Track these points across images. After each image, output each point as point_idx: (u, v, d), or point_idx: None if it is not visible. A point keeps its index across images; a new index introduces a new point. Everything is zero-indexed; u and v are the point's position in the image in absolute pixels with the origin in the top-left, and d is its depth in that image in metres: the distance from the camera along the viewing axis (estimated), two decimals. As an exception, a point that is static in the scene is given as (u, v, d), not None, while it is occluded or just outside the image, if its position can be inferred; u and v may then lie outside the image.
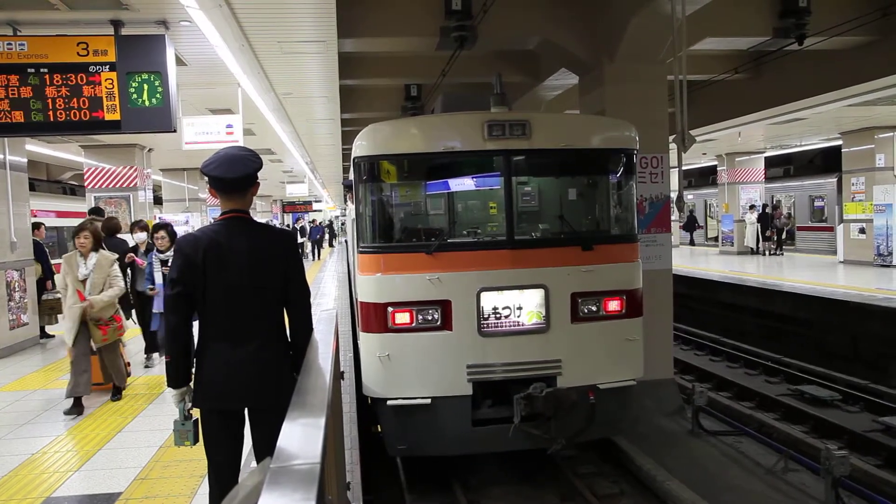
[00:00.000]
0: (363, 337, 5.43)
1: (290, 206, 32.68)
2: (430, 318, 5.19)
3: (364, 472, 4.67)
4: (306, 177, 22.57)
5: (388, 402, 5.17)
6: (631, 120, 6.18)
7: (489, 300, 5.20)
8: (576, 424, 5.28)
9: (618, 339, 5.46)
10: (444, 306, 5.17)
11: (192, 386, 2.73)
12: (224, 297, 2.66)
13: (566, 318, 5.30)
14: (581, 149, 5.56)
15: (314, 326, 2.83)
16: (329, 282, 14.94)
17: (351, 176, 5.84)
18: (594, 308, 5.39)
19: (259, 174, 2.80)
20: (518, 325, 5.25)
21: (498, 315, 5.24)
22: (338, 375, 3.12)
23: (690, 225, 26.38)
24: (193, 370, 2.75)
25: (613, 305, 5.46)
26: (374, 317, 5.23)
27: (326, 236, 35.07)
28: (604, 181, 5.94)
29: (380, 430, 5.50)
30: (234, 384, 2.66)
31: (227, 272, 2.66)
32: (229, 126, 8.11)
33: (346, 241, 29.68)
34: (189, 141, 8.04)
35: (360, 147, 5.42)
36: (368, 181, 5.44)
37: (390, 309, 5.16)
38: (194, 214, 17.04)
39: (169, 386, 2.74)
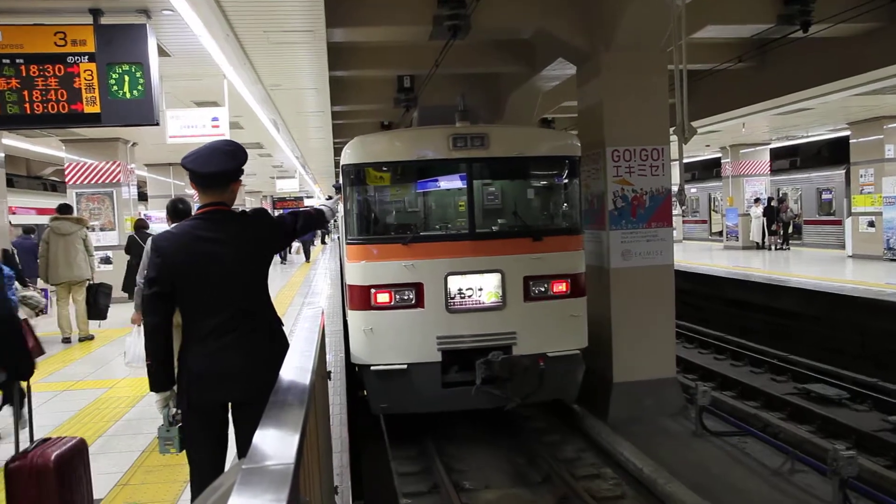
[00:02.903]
0: (351, 314, 6.87)
1: (280, 203, 32.64)
2: (406, 297, 6.58)
3: (351, 432, 5.27)
4: (297, 172, 22.54)
5: (372, 368, 6.50)
6: (630, 110, 6.41)
7: (455, 282, 6.60)
8: (528, 386, 6.53)
9: (564, 315, 6.79)
10: (418, 288, 6.54)
11: (176, 389, 2.71)
12: (207, 294, 2.66)
13: (520, 297, 6.67)
14: (531, 156, 7.06)
15: (297, 324, 2.84)
16: (321, 281, 15.01)
17: (340, 180, 7.30)
18: (543, 289, 6.77)
19: (247, 169, 2.82)
20: (479, 303, 6.64)
21: (462, 295, 6.63)
22: (324, 375, 3.12)
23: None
24: (177, 373, 2.73)
25: (560, 287, 6.84)
26: (359, 297, 6.63)
27: (318, 233, 34.93)
28: (551, 183, 7.46)
29: (365, 393, 6.74)
30: (219, 376, 2.65)
31: (208, 268, 2.66)
32: (215, 119, 8.08)
33: (338, 238, 29.68)
34: (174, 135, 8.02)
35: (347, 156, 6.93)
36: (354, 184, 6.92)
37: (373, 290, 6.55)
38: (180, 211, 17.00)
39: (152, 390, 2.71)
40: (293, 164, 20.02)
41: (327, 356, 4.29)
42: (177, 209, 4.82)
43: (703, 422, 6.98)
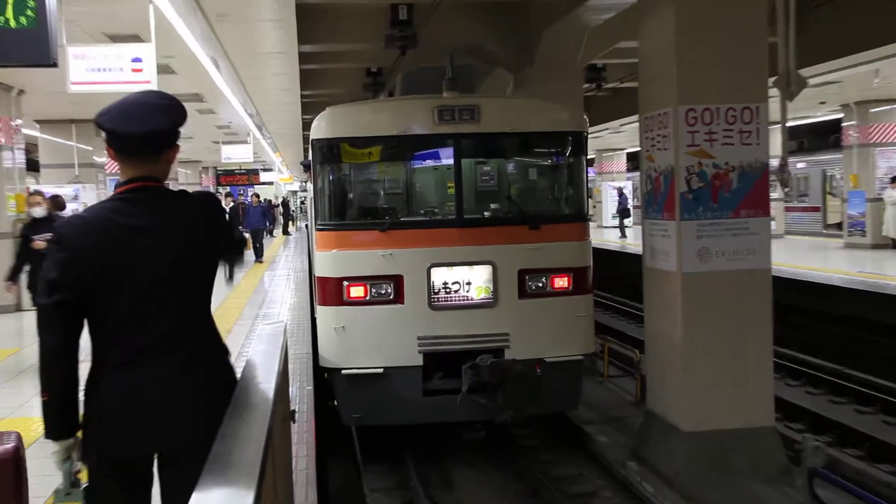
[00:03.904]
0: (320, 310, 7.84)
1: (227, 177, 32.46)
2: (383, 291, 7.53)
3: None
4: (250, 135, 22.61)
5: (343, 372, 7.49)
6: (713, 54, 6.50)
7: (439, 275, 7.57)
8: (523, 396, 7.33)
9: (565, 316, 7.73)
10: (397, 281, 7.50)
11: (82, 436, 2.70)
12: (129, 305, 2.68)
13: (514, 293, 7.63)
14: (528, 132, 8.07)
15: (252, 344, 2.90)
16: (280, 286, 15.09)
17: (310, 156, 8.17)
18: (541, 285, 7.69)
19: (182, 130, 2.82)
20: (467, 299, 7.62)
21: (448, 290, 7.56)
22: (286, 416, 3.16)
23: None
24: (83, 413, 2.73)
25: (560, 282, 7.73)
26: (330, 290, 7.61)
27: (280, 220, 34.75)
28: (552, 163, 8.51)
29: (335, 403, 7.78)
30: (142, 420, 2.66)
31: (132, 268, 2.68)
32: (137, 60, 8.13)
33: (306, 227, 29.68)
34: (78, 80, 8.07)
35: (317, 129, 7.83)
36: (325, 162, 7.92)
37: (345, 283, 7.51)
38: (87, 187, 17.10)
39: (47, 437, 2.69)
40: (245, 125, 20.07)
41: (290, 389, 4.32)
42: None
43: (815, 491, 6.96)
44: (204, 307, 2.88)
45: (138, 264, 2.68)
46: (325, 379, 8.03)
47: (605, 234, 28.58)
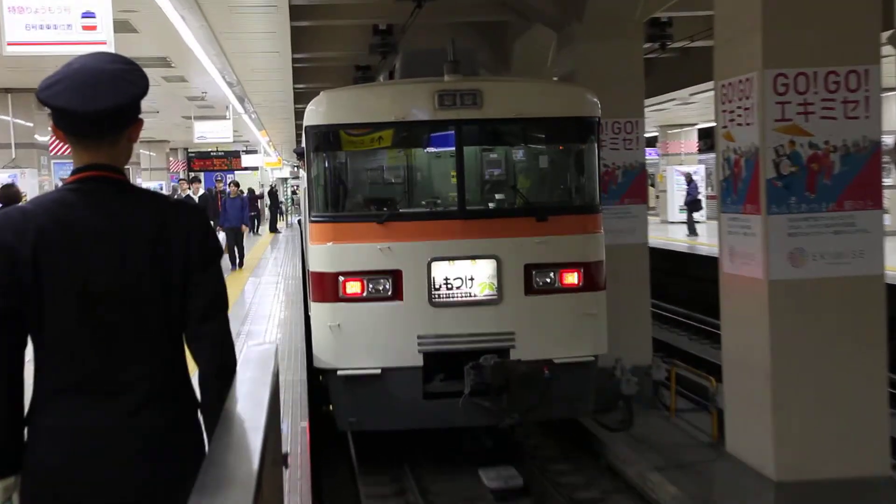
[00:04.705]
0: (314, 307, 9.04)
1: (201, 160, 32.54)
2: (380, 287, 8.54)
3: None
4: (229, 109, 22.67)
5: (339, 373, 8.51)
6: (807, 5, 6.34)
7: (440, 270, 8.56)
8: (530, 399, 8.30)
9: (575, 313, 8.77)
10: (396, 276, 8.51)
11: (21, 477, 2.69)
12: (76, 319, 2.65)
13: (520, 289, 8.65)
14: (535, 118, 9.16)
15: (238, 369, 2.85)
16: (268, 296, 15.13)
17: (303, 144, 9.39)
18: (549, 280, 8.71)
19: (144, 104, 2.78)
20: (469, 296, 8.61)
21: (449, 285, 8.54)
22: (278, 460, 3.14)
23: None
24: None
25: (570, 278, 8.76)
26: (324, 286, 8.67)
27: (266, 214, 34.92)
28: (561, 150, 9.76)
29: (331, 408, 8.78)
30: (92, 471, 2.63)
31: (80, 275, 2.64)
32: (88, 15, 8.15)
33: (299, 223, 29.60)
34: (15, 41, 8.08)
35: (311, 115, 8.85)
36: (319, 150, 8.99)
37: (341, 278, 8.55)
38: (26, 172, 17.17)
39: None
40: (223, 96, 20.09)
41: (283, 428, 4.29)
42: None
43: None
44: (166, 324, 2.77)
45: (82, 273, 2.65)
46: (320, 381, 9.09)
47: (671, 231, 28.38)
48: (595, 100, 9.15)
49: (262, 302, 14.32)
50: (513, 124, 9.27)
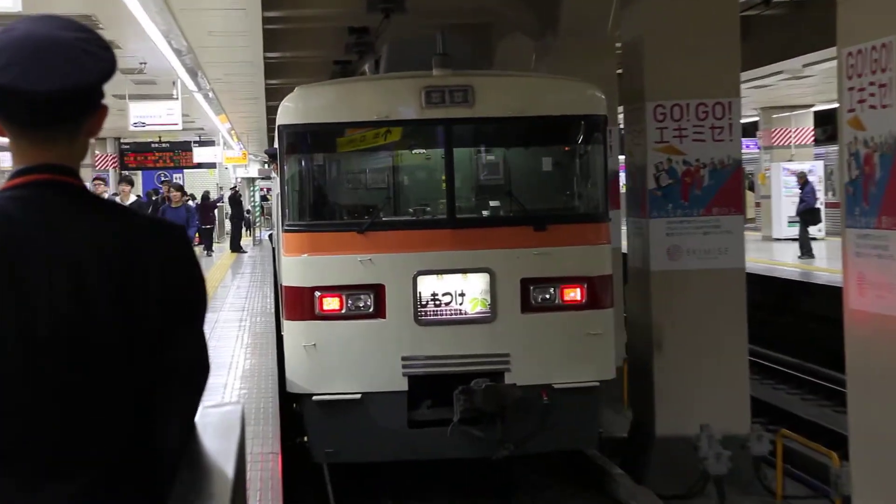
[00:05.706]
0: (287, 325, 9.95)
1: (137, 154, 32.98)
2: (361, 304, 9.78)
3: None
4: (177, 85, 22.86)
5: (314, 398, 9.58)
6: None
7: (427, 285, 9.71)
8: (526, 428, 9.27)
9: (577, 333, 9.90)
10: (378, 291, 9.74)
11: None
12: (11, 374, 2.55)
13: (515, 306, 9.85)
14: (533, 116, 10.33)
15: (202, 445, 2.77)
16: (228, 334, 15.09)
17: (276, 144, 9.48)
18: (549, 296, 9.96)
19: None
20: (460, 313, 9.77)
21: (437, 302, 9.72)
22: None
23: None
24: None
25: (572, 294, 10.02)
26: (299, 302, 9.88)
27: (227, 227, 35.45)
28: (561, 152, 10.95)
29: (305, 438, 9.71)
30: None
31: (20, 315, 2.53)
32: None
33: (270, 238, 30.20)
34: None
35: (285, 113, 10.03)
36: (294, 152, 10.28)
37: (317, 294, 9.75)
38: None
39: None
40: (168, 69, 20.18)
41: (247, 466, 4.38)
42: None
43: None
44: (128, 386, 2.66)
45: (23, 312, 2.56)
46: (293, 408, 9.88)
47: (776, 251, 28.00)
48: (601, 95, 10.19)
49: (222, 346, 13.92)
50: (507, 123, 10.44)
